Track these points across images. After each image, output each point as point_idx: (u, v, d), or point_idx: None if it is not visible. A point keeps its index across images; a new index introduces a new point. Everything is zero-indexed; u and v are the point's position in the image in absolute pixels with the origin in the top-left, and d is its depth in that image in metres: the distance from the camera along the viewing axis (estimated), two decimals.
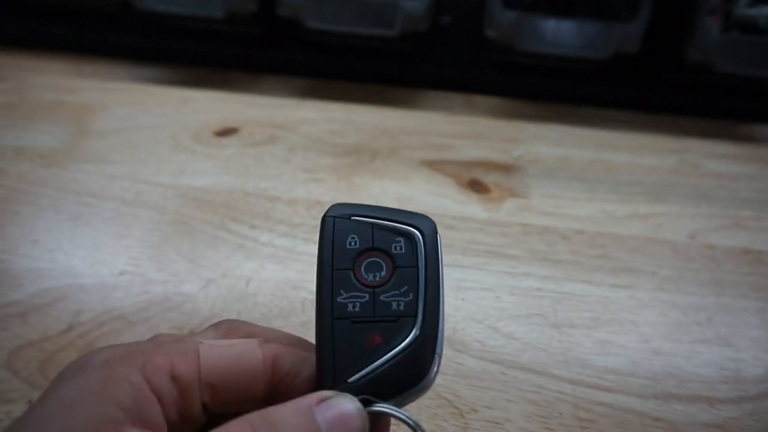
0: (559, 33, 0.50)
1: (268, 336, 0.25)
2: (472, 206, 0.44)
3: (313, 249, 0.41)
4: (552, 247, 0.41)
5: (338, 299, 0.23)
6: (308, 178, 0.46)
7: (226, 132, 0.50)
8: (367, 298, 0.23)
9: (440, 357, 0.23)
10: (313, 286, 0.34)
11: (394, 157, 0.48)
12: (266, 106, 0.53)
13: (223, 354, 0.22)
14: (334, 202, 0.24)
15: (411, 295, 0.23)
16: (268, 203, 0.44)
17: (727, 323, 0.37)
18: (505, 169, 0.48)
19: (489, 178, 0.47)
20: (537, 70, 0.55)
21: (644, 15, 0.48)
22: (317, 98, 0.55)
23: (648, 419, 0.32)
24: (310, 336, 0.24)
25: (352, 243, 0.23)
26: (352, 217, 0.24)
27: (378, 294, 0.23)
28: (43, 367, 0.33)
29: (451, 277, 0.39)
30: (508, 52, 0.52)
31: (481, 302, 0.37)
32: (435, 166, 0.48)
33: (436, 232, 0.24)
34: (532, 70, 0.55)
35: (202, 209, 0.43)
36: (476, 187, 0.46)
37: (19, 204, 0.43)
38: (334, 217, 0.24)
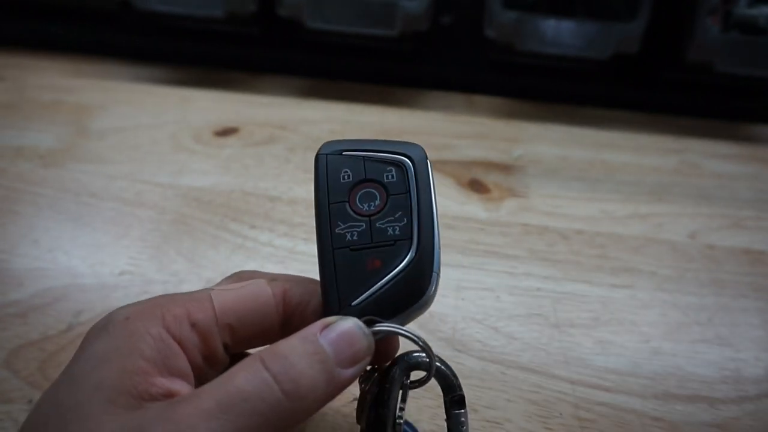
0: (559, 33, 0.50)
1: (274, 276, 0.26)
2: (472, 206, 0.44)
3: (314, 249, 0.41)
4: (552, 247, 0.41)
5: (336, 230, 0.24)
6: (308, 178, 0.46)
7: (226, 132, 0.50)
8: (363, 226, 0.24)
9: (438, 275, 0.24)
10: None
11: None
12: (266, 106, 0.53)
13: (235, 296, 0.24)
14: None
15: (405, 219, 0.24)
16: (268, 203, 0.44)
17: (727, 323, 0.37)
18: (505, 169, 0.48)
19: (489, 178, 0.47)
20: (537, 70, 0.55)
21: (644, 15, 0.48)
22: (317, 98, 0.55)
23: (648, 419, 0.32)
24: None
25: (346, 177, 0.24)
26: (344, 153, 0.25)
27: (374, 222, 0.24)
28: (43, 367, 0.33)
29: (451, 277, 0.39)
30: (509, 52, 0.52)
31: (481, 302, 0.37)
32: (435, 166, 0.47)
33: (426, 158, 0.25)
34: (533, 70, 0.55)
35: (202, 209, 0.43)
36: (476, 187, 0.46)
37: (18, 204, 0.43)
38: (326, 154, 0.25)
